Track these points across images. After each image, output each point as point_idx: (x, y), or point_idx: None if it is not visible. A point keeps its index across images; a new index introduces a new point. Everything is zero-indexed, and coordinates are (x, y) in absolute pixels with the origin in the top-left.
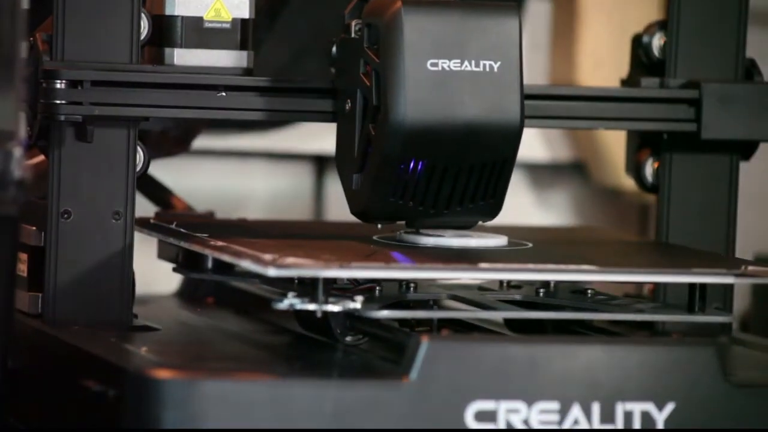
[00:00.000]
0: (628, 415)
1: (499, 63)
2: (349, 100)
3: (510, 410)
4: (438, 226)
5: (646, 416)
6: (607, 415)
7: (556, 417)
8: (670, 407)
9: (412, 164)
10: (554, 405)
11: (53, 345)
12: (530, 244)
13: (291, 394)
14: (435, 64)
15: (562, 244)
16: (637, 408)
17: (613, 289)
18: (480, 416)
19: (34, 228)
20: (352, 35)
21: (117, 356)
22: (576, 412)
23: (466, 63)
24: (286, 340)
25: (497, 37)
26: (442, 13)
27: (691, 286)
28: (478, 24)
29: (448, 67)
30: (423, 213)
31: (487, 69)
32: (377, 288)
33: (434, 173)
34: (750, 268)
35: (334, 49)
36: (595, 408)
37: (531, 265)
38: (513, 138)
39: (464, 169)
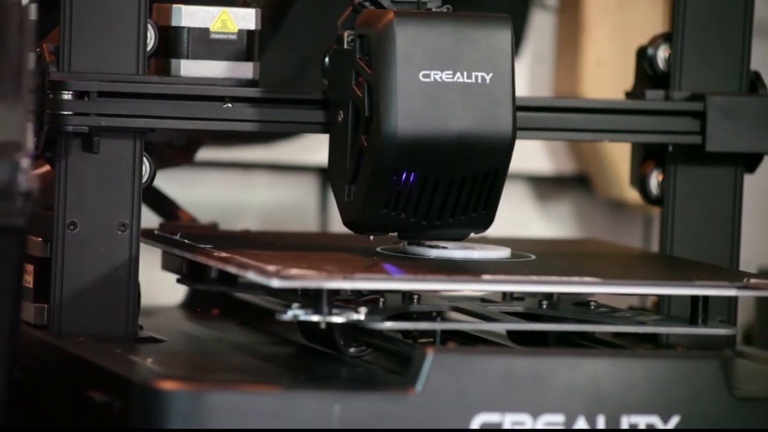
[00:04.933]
0: (633, 428)
1: (491, 75)
2: (341, 111)
3: (515, 422)
4: (430, 238)
5: (651, 429)
6: (612, 428)
7: (561, 429)
8: (675, 420)
9: (404, 175)
10: (559, 417)
11: (59, 356)
12: (533, 257)
13: (296, 405)
14: (427, 76)
15: (565, 256)
16: (642, 421)
17: (616, 301)
18: (485, 428)
19: (40, 239)
20: (345, 46)
21: (123, 367)
22: (581, 424)
23: (458, 74)
24: (291, 351)
25: (489, 49)
26: (435, 25)
27: (694, 298)
28: (470, 36)
29: (441, 78)
30: (415, 224)
31: (479, 80)
32: (381, 299)
33: (426, 184)
34: (752, 280)
35: (326, 59)
36: (600, 420)
37: (534, 277)
38: (505, 150)
39: (456, 181)
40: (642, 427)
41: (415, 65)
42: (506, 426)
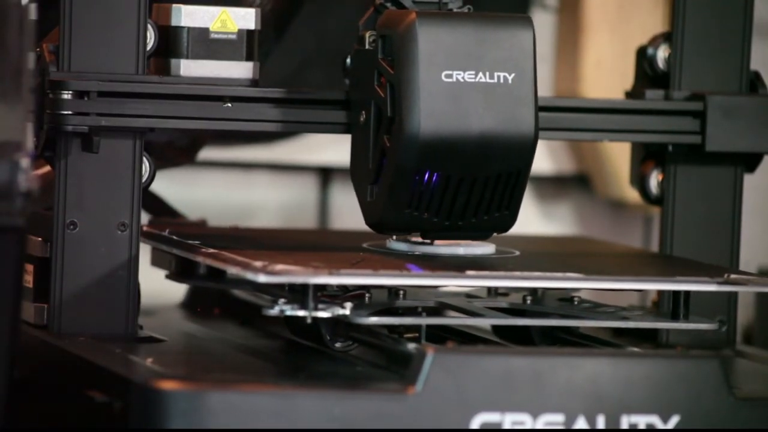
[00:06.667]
0: (633, 428)
1: (513, 75)
2: (363, 112)
3: (515, 422)
4: (452, 238)
5: (650, 429)
6: (612, 428)
7: (561, 429)
8: (674, 420)
9: (426, 175)
10: (559, 417)
11: (59, 356)
12: (517, 252)
13: (296, 405)
14: (449, 76)
15: (549, 253)
16: (641, 420)
17: (617, 300)
18: (485, 428)
19: (40, 239)
20: (367, 46)
21: (123, 367)
22: (581, 424)
23: (480, 75)
24: (291, 351)
25: (511, 49)
26: (457, 25)
27: (675, 293)
28: (492, 36)
29: (463, 78)
30: (438, 224)
31: (502, 81)
32: (367, 295)
33: (449, 184)
34: (732, 276)
35: (348, 60)
36: (600, 420)
37: (517, 273)
38: (527, 149)
39: (479, 181)
40: (642, 426)
41: (438, 65)
42: (506, 426)
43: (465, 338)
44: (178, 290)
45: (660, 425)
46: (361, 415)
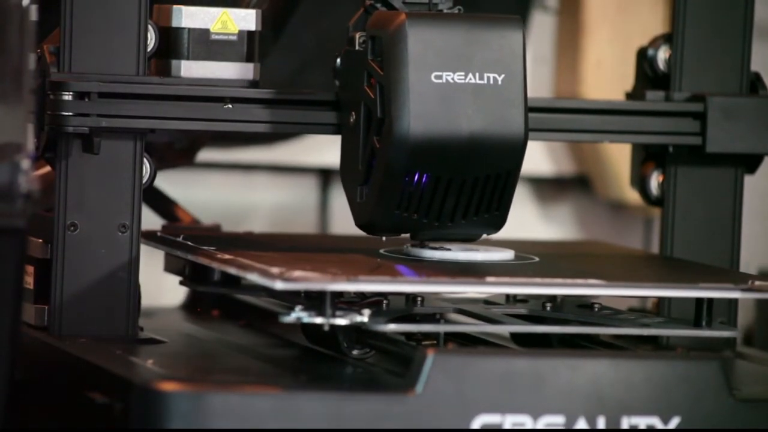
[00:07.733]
0: (633, 429)
1: (503, 76)
2: (353, 113)
3: (516, 423)
4: (442, 239)
5: (651, 430)
6: (613, 428)
7: (561, 430)
8: (675, 421)
9: (416, 176)
10: (560, 419)
11: (59, 357)
12: (537, 258)
13: (296, 407)
14: (439, 77)
15: (568, 258)
16: (642, 422)
17: (616, 302)
18: (486, 429)
19: (40, 240)
20: (357, 47)
21: (123, 369)
22: (581, 425)
23: (470, 76)
24: (291, 353)
25: (501, 50)
26: (447, 26)
27: (698, 300)
28: (482, 37)
29: (452, 79)
30: (427, 225)
31: (491, 82)
32: (384, 301)
33: (438, 185)
34: (756, 283)
35: (338, 61)
36: (601, 421)
37: (538, 279)
38: (517, 151)
39: (468, 182)
40: (642, 428)
41: (427, 66)
42: (506, 427)
43: (483, 345)
44: (179, 292)
45: (660, 426)
46: (361, 416)
